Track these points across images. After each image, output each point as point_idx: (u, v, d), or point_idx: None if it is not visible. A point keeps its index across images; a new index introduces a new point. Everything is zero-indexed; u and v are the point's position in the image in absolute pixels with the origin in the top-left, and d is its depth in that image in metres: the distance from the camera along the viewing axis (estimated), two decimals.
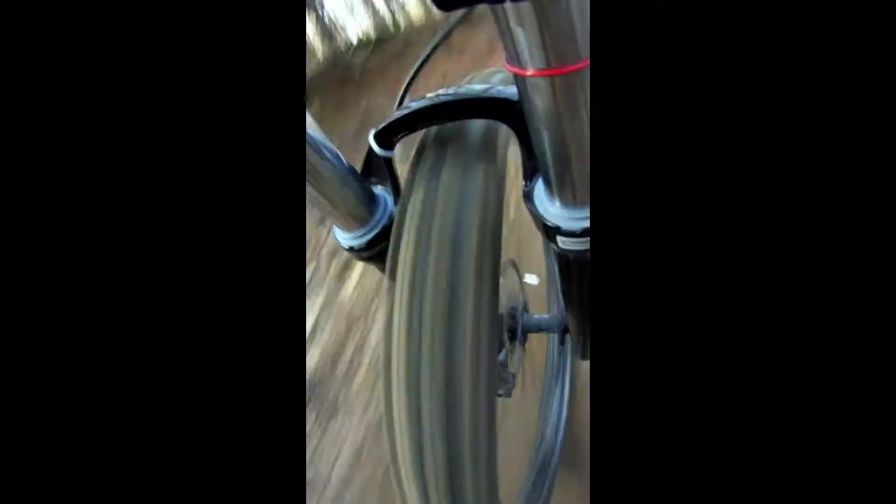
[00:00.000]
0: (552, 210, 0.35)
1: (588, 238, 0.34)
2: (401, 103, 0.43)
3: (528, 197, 0.36)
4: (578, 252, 0.36)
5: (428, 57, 0.42)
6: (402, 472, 0.34)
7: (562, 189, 0.33)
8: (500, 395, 0.65)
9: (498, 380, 0.65)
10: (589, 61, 0.24)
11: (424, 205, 0.34)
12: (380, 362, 0.35)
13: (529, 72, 0.25)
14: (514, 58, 0.25)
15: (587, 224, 0.33)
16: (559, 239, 0.35)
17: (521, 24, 0.23)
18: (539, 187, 0.36)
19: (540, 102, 0.27)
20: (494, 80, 0.43)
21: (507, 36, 0.24)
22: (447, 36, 0.41)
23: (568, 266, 0.44)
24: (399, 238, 0.35)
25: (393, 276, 0.35)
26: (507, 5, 0.22)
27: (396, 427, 0.33)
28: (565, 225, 0.34)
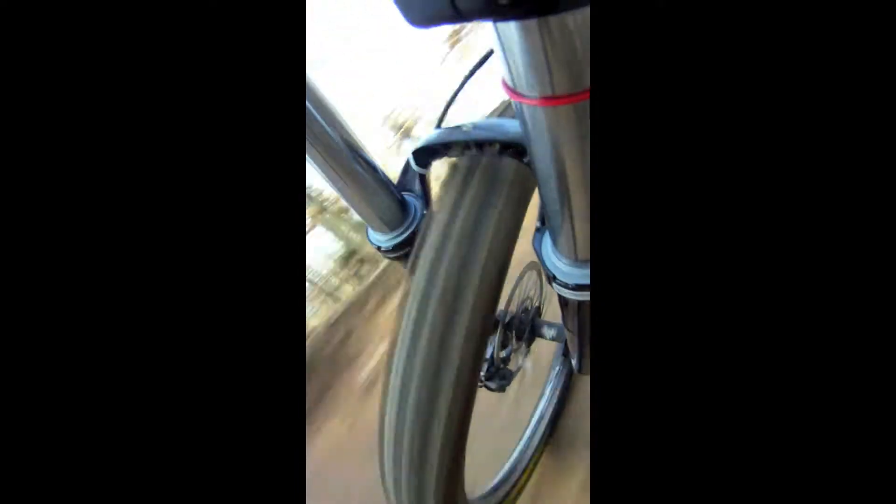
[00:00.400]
0: (553, 259, 0.39)
1: (578, 292, 0.38)
2: (439, 124, 0.48)
3: (537, 240, 0.41)
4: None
5: (462, 85, 0.46)
6: (385, 462, 0.42)
7: (563, 243, 0.37)
8: (492, 389, 0.71)
9: (495, 375, 0.71)
10: (588, 92, 0.23)
11: (446, 226, 0.40)
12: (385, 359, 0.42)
13: (526, 99, 0.25)
14: (510, 81, 0.25)
15: (582, 281, 0.38)
16: (555, 285, 0.40)
17: (515, 46, 0.22)
18: (548, 235, 0.40)
19: (535, 130, 0.27)
20: None
21: (501, 56, 0.24)
22: (480, 65, 0.44)
23: (565, 300, 0.49)
24: (420, 248, 0.41)
25: (413, 272, 0.41)
26: (500, 25, 0.21)
27: (388, 402, 0.40)
28: (561, 277, 0.38)
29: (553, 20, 0.20)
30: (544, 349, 0.99)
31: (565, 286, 0.39)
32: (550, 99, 0.24)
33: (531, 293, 0.78)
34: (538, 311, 0.80)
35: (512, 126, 0.40)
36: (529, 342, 0.78)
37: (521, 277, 0.76)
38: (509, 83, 0.25)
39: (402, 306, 0.41)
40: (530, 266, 0.78)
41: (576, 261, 0.38)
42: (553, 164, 0.28)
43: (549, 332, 0.79)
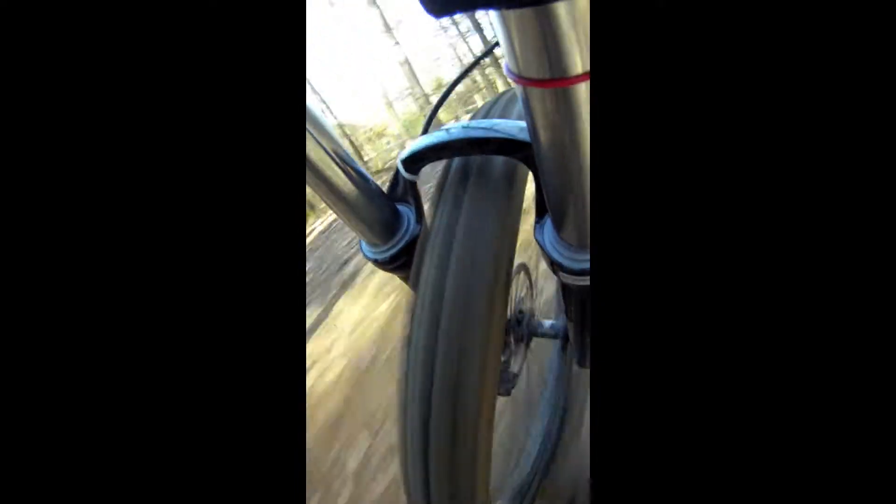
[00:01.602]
0: (557, 248, 0.40)
1: (586, 276, 0.39)
2: (426, 129, 0.48)
3: (538, 231, 0.41)
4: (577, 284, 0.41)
5: (451, 88, 0.46)
6: (409, 463, 0.40)
7: (566, 231, 0.38)
8: (499, 394, 0.70)
9: (500, 380, 0.71)
10: (589, 75, 0.24)
11: (448, 230, 0.39)
12: (397, 370, 0.41)
13: (527, 81, 0.25)
14: (514, 65, 0.25)
15: (587, 266, 0.38)
16: (561, 274, 0.40)
17: (521, 32, 0.23)
18: (548, 225, 0.40)
19: (539, 112, 0.28)
20: (516, 111, 0.48)
21: (507, 43, 0.24)
22: (471, 68, 0.45)
23: (568, 290, 0.49)
24: (423, 257, 0.40)
25: (416, 288, 0.40)
26: (506, 12, 0.22)
27: (408, 418, 0.39)
28: (567, 263, 0.39)
29: (561, 5, 0.20)
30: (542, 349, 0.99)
31: (571, 272, 0.39)
32: (558, 81, 0.24)
33: (522, 294, 0.78)
34: (531, 311, 0.80)
35: (500, 125, 0.41)
36: (528, 343, 0.78)
37: (513, 278, 0.77)
38: (515, 70, 0.25)
39: (410, 318, 0.39)
40: (522, 268, 0.78)
41: (580, 247, 0.38)
42: (560, 148, 0.29)
43: (546, 330, 0.80)
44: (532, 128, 0.29)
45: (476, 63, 0.45)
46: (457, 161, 0.43)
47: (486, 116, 0.48)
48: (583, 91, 0.25)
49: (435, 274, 0.38)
